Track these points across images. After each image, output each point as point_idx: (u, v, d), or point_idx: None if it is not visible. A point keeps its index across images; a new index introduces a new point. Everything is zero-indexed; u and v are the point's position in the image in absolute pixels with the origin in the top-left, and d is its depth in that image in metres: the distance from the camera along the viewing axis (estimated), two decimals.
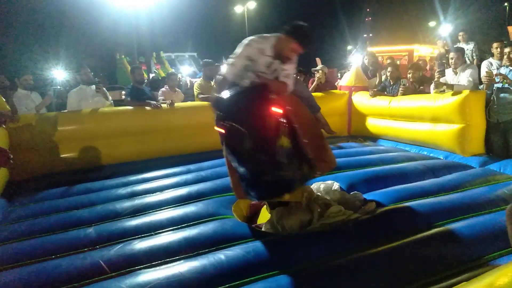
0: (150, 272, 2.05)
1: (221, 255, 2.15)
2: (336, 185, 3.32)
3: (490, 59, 4.85)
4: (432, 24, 23.94)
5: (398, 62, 7.11)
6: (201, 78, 5.83)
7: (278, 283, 1.96)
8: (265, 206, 3.11)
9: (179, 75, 11.23)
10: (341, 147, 5.02)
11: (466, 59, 5.73)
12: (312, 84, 6.18)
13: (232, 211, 2.99)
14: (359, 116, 5.79)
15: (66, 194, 3.60)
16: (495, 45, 4.64)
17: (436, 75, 4.65)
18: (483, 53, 7.70)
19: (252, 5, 24.55)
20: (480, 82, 4.37)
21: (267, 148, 2.14)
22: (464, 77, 4.36)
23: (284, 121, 2.23)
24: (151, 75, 14.41)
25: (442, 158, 4.33)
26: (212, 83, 5.30)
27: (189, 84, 10.23)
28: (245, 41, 2.62)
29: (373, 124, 5.57)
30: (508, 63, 4.08)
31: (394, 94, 5.22)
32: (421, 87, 5.05)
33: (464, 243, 2.30)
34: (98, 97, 5.01)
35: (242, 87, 2.49)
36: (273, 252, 2.24)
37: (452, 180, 3.38)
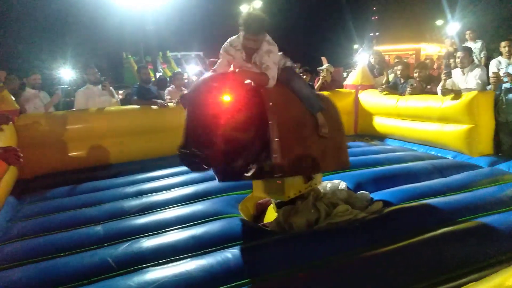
0: (158, 270, 2.06)
1: (228, 254, 2.16)
2: (343, 185, 3.31)
3: (499, 58, 4.81)
4: (439, 22, 23.72)
5: (405, 61, 7.03)
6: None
7: (284, 282, 1.96)
8: (271, 205, 3.11)
9: (185, 74, 11.25)
10: (347, 147, 5.00)
11: (474, 57, 5.67)
12: (317, 83, 6.16)
13: (238, 210, 3.00)
14: (366, 115, 5.77)
15: (74, 192, 3.63)
16: (503, 43, 4.60)
17: (443, 76, 4.61)
18: (491, 52, 7.62)
19: (258, 4, 24.53)
20: (488, 82, 4.33)
21: (205, 136, 2.13)
22: (472, 78, 4.31)
23: (233, 112, 2.17)
24: (158, 74, 14.46)
25: (450, 158, 4.30)
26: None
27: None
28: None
29: (380, 124, 5.54)
30: None
31: (402, 93, 5.19)
32: (428, 87, 5.01)
33: (472, 243, 2.28)
34: (105, 96, 5.05)
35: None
36: (279, 251, 2.24)
37: (460, 180, 3.35)
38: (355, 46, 21.88)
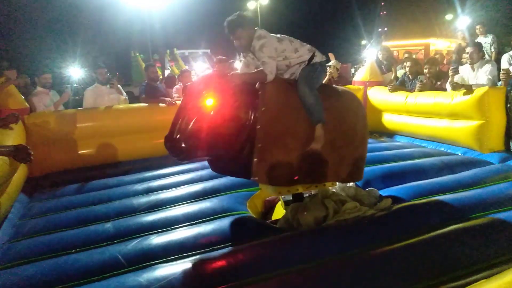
0: (167, 267, 2.07)
1: (237, 251, 2.16)
2: None
3: (511, 52, 4.73)
4: (449, 17, 23.41)
5: (414, 57, 6.95)
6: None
7: (293, 279, 1.96)
8: (280, 202, 3.11)
9: (193, 72, 11.27)
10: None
11: (484, 52, 5.58)
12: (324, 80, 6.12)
13: (247, 207, 3.00)
14: (375, 111, 5.72)
15: (84, 190, 3.67)
16: None
17: (450, 72, 4.55)
18: (502, 46, 7.50)
19: (265, 1, 24.46)
20: (499, 79, 4.26)
21: (185, 130, 2.30)
22: (482, 74, 4.25)
23: (214, 114, 2.27)
24: (166, 72, 14.51)
25: (460, 154, 4.25)
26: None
27: None
28: None
29: (389, 120, 5.49)
30: None
31: (412, 89, 5.14)
32: (438, 83, 4.95)
33: (484, 240, 2.25)
34: (114, 94, 5.08)
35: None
36: (287, 248, 2.24)
37: (470, 176, 3.31)
38: (363, 42, 21.69)
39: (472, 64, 4.36)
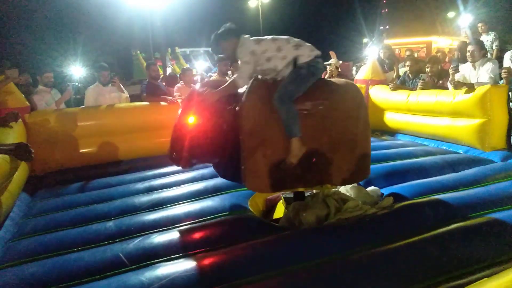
0: (169, 265, 2.08)
1: (239, 249, 2.17)
2: None
3: None
4: (451, 14, 23.32)
5: (416, 55, 6.94)
6: (216, 74, 5.84)
7: (295, 278, 1.96)
8: (281, 201, 3.11)
9: (194, 71, 11.28)
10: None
11: (486, 50, 5.56)
12: None
13: (248, 206, 3.00)
14: (376, 110, 5.70)
15: (85, 189, 3.68)
16: None
17: (451, 71, 4.53)
18: (504, 44, 7.47)
19: None
20: (501, 77, 4.24)
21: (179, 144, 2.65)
22: (484, 72, 4.23)
23: (198, 130, 2.58)
24: (168, 69, 14.51)
25: (462, 152, 4.24)
26: (227, 78, 5.31)
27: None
28: None
29: (391, 119, 5.48)
30: None
31: (413, 88, 5.13)
32: (440, 81, 4.93)
33: (485, 239, 2.25)
34: (115, 92, 5.09)
35: None
36: (289, 246, 2.24)
37: (472, 175, 3.30)
38: (365, 40, 21.63)
39: (473, 62, 4.34)
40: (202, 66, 17.67)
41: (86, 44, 18.98)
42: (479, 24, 6.91)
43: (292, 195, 2.96)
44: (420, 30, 17.11)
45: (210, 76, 6.07)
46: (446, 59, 7.55)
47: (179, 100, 4.90)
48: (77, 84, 6.03)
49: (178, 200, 3.11)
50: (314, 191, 2.93)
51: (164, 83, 6.04)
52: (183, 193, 3.24)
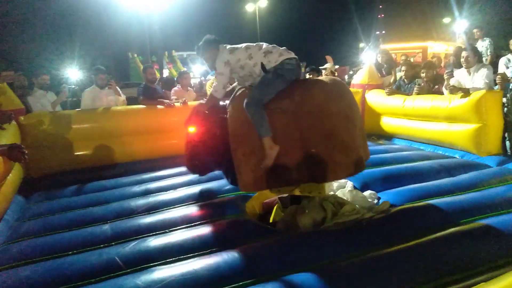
0: (165, 269, 2.06)
1: (235, 253, 2.16)
2: (349, 184, 3.30)
3: (508, 55, 4.75)
4: (446, 20, 23.53)
5: (411, 60, 6.98)
6: (214, 77, 5.85)
7: (291, 282, 1.96)
8: (278, 204, 3.11)
9: (191, 74, 11.29)
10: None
11: (481, 56, 5.61)
12: None
13: (245, 209, 2.99)
14: (373, 114, 5.73)
15: (81, 192, 3.66)
16: None
17: (445, 76, 4.56)
18: (499, 49, 7.54)
19: (263, 4, 24.52)
20: (495, 83, 4.28)
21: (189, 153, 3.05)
22: (479, 78, 4.26)
23: (199, 138, 2.88)
24: (165, 72, 14.51)
25: (458, 157, 4.26)
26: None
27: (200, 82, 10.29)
28: None
29: (387, 123, 5.51)
30: None
31: (409, 93, 5.15)
32: (436, 87, 4.95)
33: (482, 243, 2.26)
34: (112, 95, 5.07)
35: None
36: (286, 250, 2.24)
37: (468, 179, 3.32)
38: (361, 45, 21.77)
39: (468, 68, 4.37)
40: (199, 70, 17.69)
41: (83, 47, 18.96)
42: (475, 30, 6.97)
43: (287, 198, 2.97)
44: (416, 35, 17.25)
45: (209, 79, 6.08)
46: (442, 64, 7.61)
47: (176, 103, 4.90)
48: (73, 86, 6.00)
49: (175, 203, 3.10)
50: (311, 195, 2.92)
51: (160, 86, 6.03)
52: (180, 196, 3.22)
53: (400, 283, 1.98)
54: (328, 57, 6.67)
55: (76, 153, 4.45)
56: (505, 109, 3.99)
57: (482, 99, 3.96)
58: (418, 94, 4.92)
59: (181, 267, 2.07)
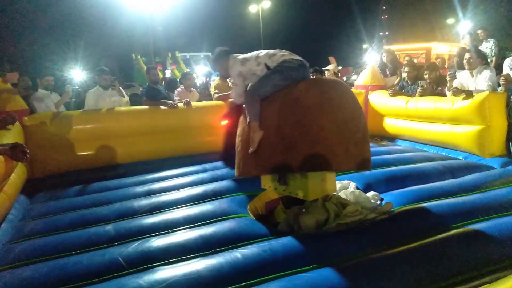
0: (168, 269, 2.07)
1: (237, 254, 2.16)
2: (352, 185, 3.29)
3: None
4: (450, 21, 23.45)
5: (415, 61, 6.96)
6: (218, 78, 5.85)
7: (294, 282, 1.95)
8: (280, 205, 3.11)
9: (194, 75, 11.31)
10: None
11: (485, 57, 5.58)
12: None
13: (247, 210, 3.00)
14: (376, 115, 5.72)
15: (84, 192, 3.67)
16: None
17: (448, 78, 4.54)
18: (503, 51, 7.50)
19: (266, 5, 24.52)
20: (498, 84, 4.26)
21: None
22: (481, 80, 4.24)
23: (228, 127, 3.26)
24: (167, 72, 14.54)
25: (461, 158, 4.25)
26: (229, 82, 5.34)
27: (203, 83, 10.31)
28: None
29: (390, 124, 5.50)
30: None
31: (412, 94, 5.14)
32: (439, 88, 4.94)
33: (484, 245, 2.25)
34: (115, 96, 5.09)
35: None
36: (289, 251, 2.23)
37: (472, 181, 3.30)
38: (365, 46, 21.74)
39: (471, 70, 4.35)
40: (202, 71, 17.73)
41: (86, 48, 19.05)
42: (479, 31, 6.94)
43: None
44: (419, 36, 17.20)
45: (214, 80, 6.10)
46: (446, 65, 7.58)
47: (179, 104, 4.91)
48: (77, 88, 6.03)
49: (177, 204, 3.10)
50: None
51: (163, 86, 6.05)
52: (183, 197, 3.23)
53: (403, 285, 1.97)
54: (331, 58, 6.65)
55: (79, 154, 4.47)
56: (509, 111, 3.98)
57: (485, 100, 3.95)
58: (421, 96, 4.90)
59: (183, 267, 2.07)
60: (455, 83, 4.44)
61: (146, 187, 3.58)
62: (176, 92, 5.61)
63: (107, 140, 4.58)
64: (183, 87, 5.66)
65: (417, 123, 4.97)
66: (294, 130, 2.52)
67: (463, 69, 4.53)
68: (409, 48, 14.13)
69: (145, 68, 9.31)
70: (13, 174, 3.35)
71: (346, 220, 2.61)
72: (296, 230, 2.65)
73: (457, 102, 4.22)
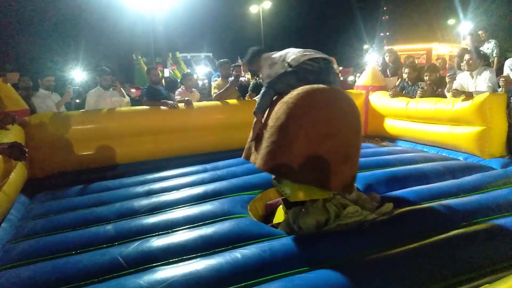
0: (167, 269, 2.07)
1: (237, 254, 2.16)
2: None
3: None
4: (451, 22, 23.44)
5: (416, 61, 6.95)
6: (220, 79, 5.85)
7: (294, 283, 1.95)
8: (281, 205, 3.10)
9: (195, 75, 11.32)
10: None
11: (485, 58, 5.57)
12: None
13: (248, 210, 3.00)
14: (376, 116, 5.72)
15: (85, 192, 3.67)
16: None
17: (447, 79, 4.52)
18: (504, 51, 7.49)
19: (267, 5, 24.54)
20: (499, 86, 4.25)
21: None
22: (481, 81, 4.23)
23: None
24: (166, 71, 14.54)
25: (461, 159, 4.24)
26: (229, 82, 5.36)
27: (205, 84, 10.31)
28: None
29: (391, 125, 5.49)
30: None
31: (412, 95, 5.13)
32: (439, 89, 4.93)
33: (485, 246, 2.24)
34: (116, 96, 5.10)
35: None
36: (289, 251, 2.23)
37: (472, 181, 3.30)
38: (365, 47, 21.73)
39: (470, 71, 4.34)
40: (202, 71, 17.75)
41: (87, 48, 19.08)
42: (480, 32, 6.92)
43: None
44: (420, 37, 17.19)
45: (215, 80, 6.10)
46: (447, 66, 7.56)
47: (180, 104, 4.91)
48: (77, 88, 6.04)
49: (178, 204, 3.11)
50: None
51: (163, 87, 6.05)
52: (183, 197, 3.23)
53: (403, 286, 1.97)
54: (332, 59, 6.64)
55: (80, 154, 4.47)
56: (509, 112, 3.97)
57: (485, 101, 3.95)
58: (421, 97, 4.90)
59: (184, 267, 2.07)
60: (455, 85, 4.43)
61: (146, 187, 3.58)
62: (177, 92, 5.61)
63: (107, 140, 4.58)
64: (183, 88, 5.66)
65: (418, 124, 4.97)
66: (278, 132, 2.54)
67: (454, 72, 4.53)
68: (409, 49, 14.11)
69: (145, 68, 9.33)
70: (13, 173, 3.36)
71: (346, 221, 2.61)
72: (297, 230, 2.65)
73: (457, 103, 4.21)
